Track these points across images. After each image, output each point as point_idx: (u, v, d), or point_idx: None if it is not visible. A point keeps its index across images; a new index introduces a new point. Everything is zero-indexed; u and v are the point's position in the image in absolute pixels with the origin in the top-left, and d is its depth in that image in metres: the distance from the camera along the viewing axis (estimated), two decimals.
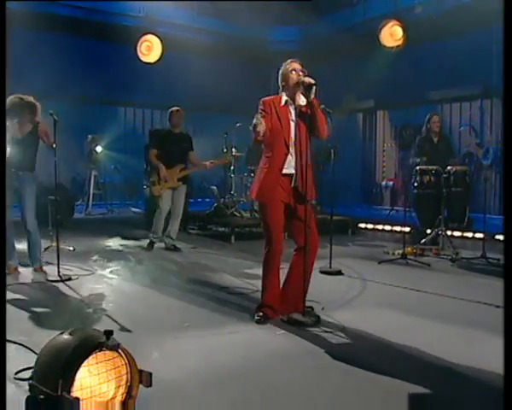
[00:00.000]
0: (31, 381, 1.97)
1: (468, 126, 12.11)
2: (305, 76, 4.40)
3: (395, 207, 12.22)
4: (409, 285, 5.74)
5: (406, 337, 4.01)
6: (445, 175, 7.30)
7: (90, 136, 12.25)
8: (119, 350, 2.00)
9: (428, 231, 7.66)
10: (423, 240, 7.62)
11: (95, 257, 7.19)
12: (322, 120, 4.42)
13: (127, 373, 2.05)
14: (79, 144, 12.76)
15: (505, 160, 2.85)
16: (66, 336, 1.98)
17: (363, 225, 10.56)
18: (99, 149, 12.24)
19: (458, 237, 8.89)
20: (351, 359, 3.57)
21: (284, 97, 4.43)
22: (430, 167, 7.37)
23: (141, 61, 10.95)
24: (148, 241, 7.79)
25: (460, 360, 3.54)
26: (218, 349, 3.77)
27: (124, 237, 8.81)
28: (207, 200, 14.74)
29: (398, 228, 10.27)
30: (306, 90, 4.32)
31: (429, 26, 11.21)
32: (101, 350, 1.95)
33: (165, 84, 13.72)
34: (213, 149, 14.44)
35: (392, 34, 9.99)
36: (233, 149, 9.68)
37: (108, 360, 1.99)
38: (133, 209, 12.61)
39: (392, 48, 10.14)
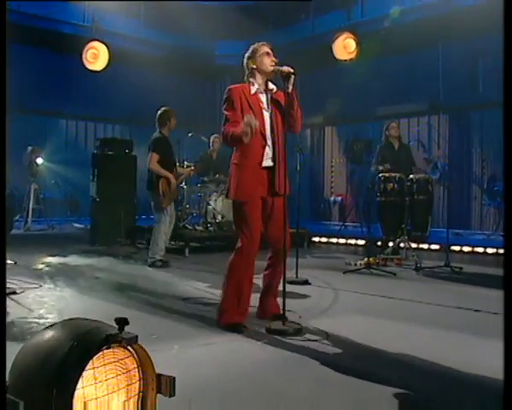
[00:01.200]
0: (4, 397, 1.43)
1: (417, 141, 12.19)
2: (280, 64, 4.10)
3: (346, 223, 12.19)
4: (379, 292, 5.54)
5: (390, 342, 3.76)
6: (408, 183, 7.18)
7: (29, 147, 11.50)
8: (131, 347, 1.54)
9: (391, 243, 7.48)
10: (386, 250, 7.43)
11: (40, 270, 6.59)
12: (298, 113, 4.13)
13: (140, 380, 1.57)
14: (17, 156, 11.96)
15: (505, 165, 2.89)
16: (54, 332, 1.45)
17: (316, 239, 10.35)
18: (40, 160, 11.48)
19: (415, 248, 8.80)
20: (341, 366, 3.25)
21: (255, 85, 4.10)
22: (393, 174, 7.24)
23: (86, 68, 10.38)
24: (155, 261, 7.09)
25: (447, 363, 3.33)
26: (198, 361, 3.36)
27: (68, 252, 8.19)
28: (152, 217, 14.22)
29: (352, 241, 10.19)
30: (285, 79, 4.02)
31: (378, 41, 11.28)
32: (109, 347, 1.46)
33: (110, 96, 13.21)
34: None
35: (345, 47, 9.90)
36: (184, 162, 9.22)
37: (119, 360, 1.50)
38: (76, 225, 11.91)
39: (346, 61, 10.06)
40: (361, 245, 10.01)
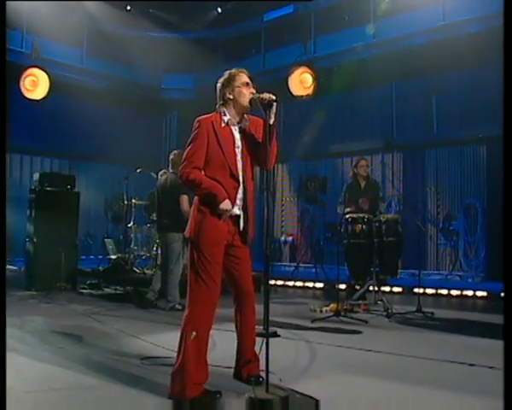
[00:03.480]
0: None
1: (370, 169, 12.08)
2: (260, 92, 3.64)
3: (301, 264, 11.80)
4: (355, 344, 5.08)
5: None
6: (376, 224, 6.85)
7: None
8: None
9: (358, 287, 7.10)
10: (354, 295, 7.01)
11: None
12: (275, 148, 3.66)
13: None
14: None
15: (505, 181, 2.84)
16: None
17: (272, 282, 9.84)
18: None
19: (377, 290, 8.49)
20: None
21: (227, 116, 3.62)
22: (361, 215, 6.88)
23: (24, 97, 9.62)
24: (172, 307, 6.71)
25: None
26: None
27: None
28: (92, 257, 13.39)
29: (309, 284, 9.79)
30: (266, 108, 3.55)
31: (332, 77, 11.16)
32: None
33: (49, 127, 12.42)
34: (100, 202, 13.38)
35: (301, 81, 9.64)
36: (132, 200, 8.61)
37: None
38: (8, 267, 10.90)
39: (302, 96, 9.76)
40: (319, 288, 9.64)
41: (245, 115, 3.66)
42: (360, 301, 7.07)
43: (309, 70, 9.71)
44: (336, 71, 11.13)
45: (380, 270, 6.89)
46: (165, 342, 4.79)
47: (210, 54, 13.32)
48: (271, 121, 3.51)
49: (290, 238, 13.77)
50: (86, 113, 12.84)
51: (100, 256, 11.88)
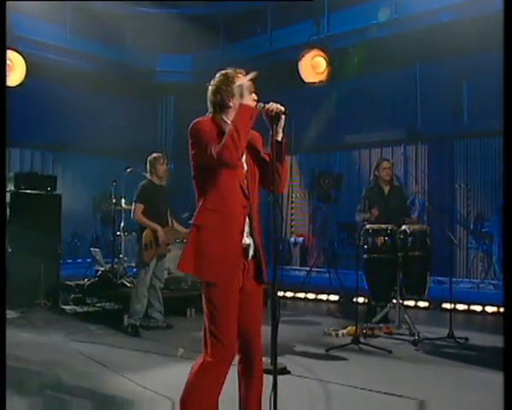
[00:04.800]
0: None
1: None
2: (264, 102, 3.23)
3: (311, 269, 11.47)
4: (378, 385, 4.69)
5: None
6: (401, 236, 6.47)
7: None
8: None
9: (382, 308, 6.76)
10: (374, 318, 6.65)
11: None
12: (287, 169, 3.27)
13: None
14: None
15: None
16: None
17: (280, 294, 9.47)
18: None
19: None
20: None
21: (227, 121, 3.17)
22: (383, 226, 6.50)
23: None
24: (130, 326, 6.70)
25: None
26: None
27: None
28: (79, 260, 13.08)
29: (323, 296, 9.49)
30: (272, 121, 3.16)
31: (347, 60, 10.74)
32: None
33: (29, 117, 12.01)
34: (88, 200, 13.04)
35: (313, 66, 9.21)
36: (122, 201, 8.25)
37: None
38: None
39: (314, 83, 9.32)
40: (334, 301, 9.28)
41: None
42: (381, 325, 6.73)
43: (322, 53, 9.26)
44: (352, 52, 10.71)
45: (404, 289, 6.52)
46: (155, 381, 4.44)
47: (210, 32, 12.89)
48: (279, 138, 3.12)
49: (301, 239, 13.45)
50: (71, 99, 12.44)
51: (88, 260, 11.58)
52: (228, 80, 3.21)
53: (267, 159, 3.24)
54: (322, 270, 12.00)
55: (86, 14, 11.96)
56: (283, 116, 3.13)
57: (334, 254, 12.39)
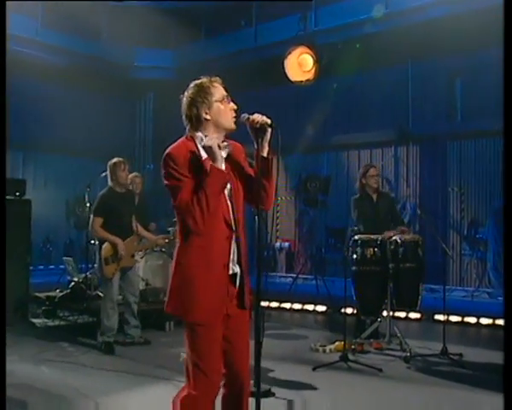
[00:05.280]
0: None
1: (381, 178, 11.71)
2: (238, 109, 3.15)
3: (297, 277, 11.41)
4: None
5: None
6: (391, 246, 6.42)
7: None
8: None
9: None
10: (363, 333, 6.59)
11: None
12: (274, 185, 3.15)
13: None
14: None
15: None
16: None
17: (265, 304, 9.39)
18: None
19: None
20: None
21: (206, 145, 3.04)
22: (373, 237, 6.43)
23: None
24: (103, 344, 6.56)
25: None
26: None
27: None
28: (52, 267, 12.92)
29: (309, 307, 9.47)
30: (258, 135, 3.05)
31: (336, 57, 10.69)
32: None
33: None
34: (61, 203, 12.87)
35: (300, 64, 9.13)
36: None
37: None
38: None
39: (301, 82, 9.26)
40: (321, 312, 9.23)
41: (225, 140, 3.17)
42: (371, 340, 6.67)
43: (309, 50, 9.23)
44: (341, 48, 10.67)
45: (396, 302, 6.46)
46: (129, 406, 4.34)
47: (191, 25, 12.80)
48: (265, 153, 3.02)
49: (286, 244, 13.50)
50: (43, 95, 12.33)
51: (62, 266, 11.41)
52: (203, 91, 3.08)
53: (252, 174, 3.15)
54: (309, 277, 11.97)
55: (59, 6, 11.80)
56: (269, 129, 3.03)
57: (322, 261, 12.39)
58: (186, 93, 3.12)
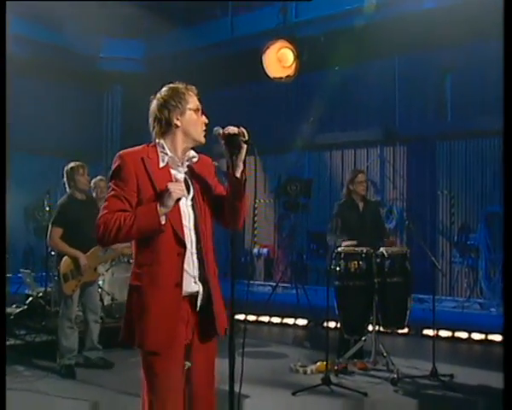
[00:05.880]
0: None
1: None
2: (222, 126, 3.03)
3: (276, 285, 11.30)
4: None
5: None
6: (377, 259, 6.36)
7: None
8: None
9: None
10: (347, 353, 6.50)
11: None
12: (245, 205, 3.07)
13: None
14: None
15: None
16: None
17: (241, 317, 9.24)
18: None
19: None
20: None
21: (167, 153, 3.00)
22: (358, 249, 6.35)
23: None
24: (62, 367, 6.40)
25: None
26: None
27: None
28: (9, 275, 12.65)
29: (289, 320, 9.40)
30: (231, 151, 2.94)
31: (316, 50, 10.58)
32: None
33: None
34: (19, 204, 12.62)
35: (280, 60, 9.05)
36: None
37: None
38: None
39: (281, 79, 9.16)
40: (302, 326, 9.16)
41: (191, 151, 3.07)
42: (355, 360, 6.60)
43: (289, 45, 9.11)
44: (324, 41, 10.52)
45: (382, 320, 6.42)
46: None
47: (163, 15, 12.59)
48: (238, 173, 2.91)
49: (265, 250, 13.41)
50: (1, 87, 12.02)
51: (20, 275, 11.17)
52: (178, 96, 3.02)
53: (221, 192, 3.09)
54: (289, 286, 11.94)
55: None
56: (245, 146, 2.91)
57: (303, 268, 12.40)
58: (158, 95, 3.05)
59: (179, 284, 2.91)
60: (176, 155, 3.01)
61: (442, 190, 11.24)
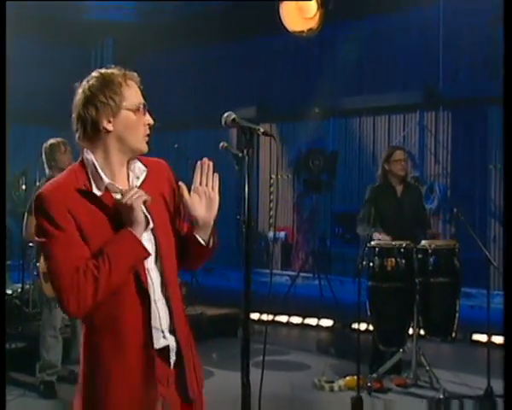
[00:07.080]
0: None
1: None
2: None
3: (297, 275, 11.32)
4: None
5: None
6: (419, 255, 6.21)
7: None
8: None
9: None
10: (382, 367, 6.37)
11: None
12: (214, 248, 2.80)
13: None
14: None
15: None
16: None
17: (255, 316, 9.09)
18: None
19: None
20: None
21: (101, 177, 2.53)
22: (396, 243, 6.20)
23: None
24: (40, 382, 6.34)
25: None
26: None
27: None
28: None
29: (312, 321, 9.38)
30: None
31: None
32: None
33: None
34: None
35: (300, 10, 8.86)
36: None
37: None
38: None
39: (302, 32, 8.99)
40: (327, 328, 9.17)
41: (138, 164, 2.66)
42: (392, 376, 6.48)
43: None
44: None
45: (424, 328, 6.33)
46: None
47: None
48: (205, 244, 2.71)
49: (282, 234, 13.50)
50: None
51: None
52: (110, 88, 2.53)
53: (184, 230, 2.77)
54: (311, 276, 11.93)
55: None
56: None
57: (326, 255, 12.41)
58: (85, 82, 2.54)
59: (149, 341, 2.61)
60: (112, 173, 2.58)
61: (495, 164, 11.07)
